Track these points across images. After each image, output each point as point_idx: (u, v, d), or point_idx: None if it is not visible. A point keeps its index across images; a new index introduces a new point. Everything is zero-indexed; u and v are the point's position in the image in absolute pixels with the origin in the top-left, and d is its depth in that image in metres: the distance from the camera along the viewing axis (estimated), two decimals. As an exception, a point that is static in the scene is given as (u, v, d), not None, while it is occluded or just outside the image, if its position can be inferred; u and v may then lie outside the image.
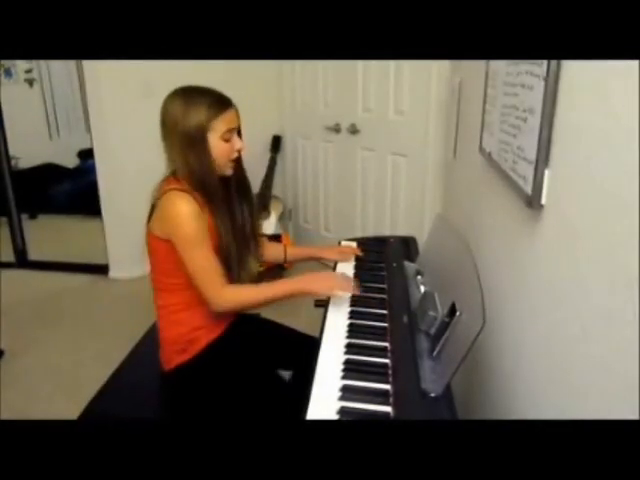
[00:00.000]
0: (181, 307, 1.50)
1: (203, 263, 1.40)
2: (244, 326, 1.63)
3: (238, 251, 1.52)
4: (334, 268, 1.73)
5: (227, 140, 1.43)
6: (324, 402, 1.04)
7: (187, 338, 1.49)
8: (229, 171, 1.49)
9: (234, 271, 1.50)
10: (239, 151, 1.48)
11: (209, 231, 1.42)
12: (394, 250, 1.82)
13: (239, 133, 1.49)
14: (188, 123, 1.38)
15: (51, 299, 3.34)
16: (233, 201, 1.54)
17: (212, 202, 1.44)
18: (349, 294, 1.46)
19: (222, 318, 1.55)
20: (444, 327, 1.15)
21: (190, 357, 1.49)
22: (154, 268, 1.50)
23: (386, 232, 3.00)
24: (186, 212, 1.36)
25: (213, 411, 1.46)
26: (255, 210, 1.64)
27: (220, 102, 1.42)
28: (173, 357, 1.51)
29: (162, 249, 1.43)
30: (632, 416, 0.66)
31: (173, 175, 1.45)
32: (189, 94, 1.42)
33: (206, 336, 1.51)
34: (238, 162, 1.52)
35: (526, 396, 1.11)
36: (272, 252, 1.84)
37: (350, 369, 1.15)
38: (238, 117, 1.47)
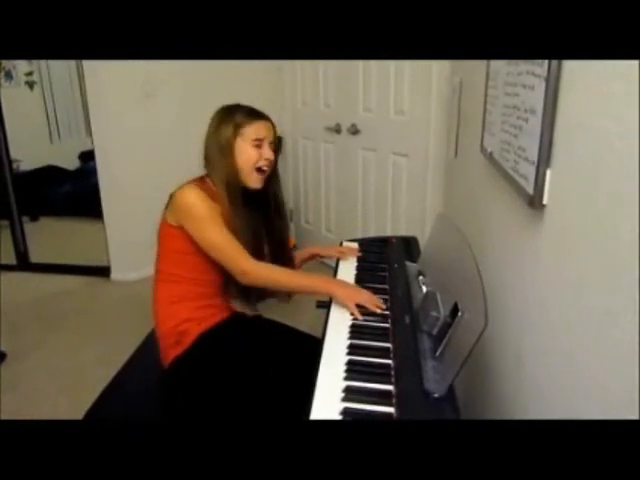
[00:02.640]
0: (175, 299, 1.55)
1: (222, 238, 1.48)
2: (243, 324, 1.63)
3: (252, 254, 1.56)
4: (335, 268, 1.73)
5: (257, 147, 1.55)
6: (327, 403, 1.04)
7: (178, 330, 1.52)
8: (254, 183, 1.59)
9: None
10: (267, 161, 1.58)
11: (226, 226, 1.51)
12: (395, 250, 1.82)
13: (270, 145, 1.59)
14: (220, 135, 1.54)
15: (52, 301, 3.34)
16: (255, 212, 1.63)
17: (233, 206, 1.54)
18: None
19: (213, 312, 1.58)
20: (446, 327, 1.15)
21: (183, 349, 1.51)
22: (161, 257, 1.57)
23: (387, 232, 3.00)
24: (194, 196, 1.48)
25: (212, 406, 1.46)
26: (286, 227, 1.77)
27: (252, 113, 1.57)
28: (169, 351, 1.53)
29: (171, 236, 1.52)
30: (632, 416, 0.66)
31: (200, 177, 1.58)
32: (229, 108, 1.58)
33: (195, 328, 1.53)
34: (274, 177, 1.66)
35: (528, 396, 1.11)
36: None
37: (353, 370, 1.14)
38: (271, 130, 1.59)
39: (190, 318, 1.53)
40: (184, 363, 1.51)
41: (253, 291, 1.66)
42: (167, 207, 1.54)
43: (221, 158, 1.54)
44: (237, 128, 1.53)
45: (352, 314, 1.38)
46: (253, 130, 1.55)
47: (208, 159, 1.58)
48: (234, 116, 1.55)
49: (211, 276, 1.56)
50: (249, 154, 1.55)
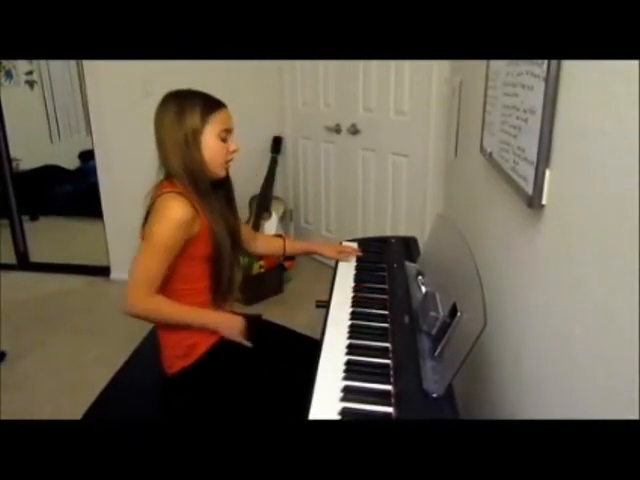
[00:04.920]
0: None
1: (150, 268, 1.40)
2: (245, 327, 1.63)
3: (232, 251, 1.53)
4: (335, 268, 1.73)
5: (223, 140, 1.45)
6: (326, 403, 1.04)
7: (187, 343, 1.49)
8: (222, 172, 1.51)
9: (224, 273, 1.51)
10: (234, 153, 1.50)
11: (204, 234, 1.43)
12: (395, 250, 1.82)
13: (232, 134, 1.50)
14: (184, 124, 1.40)
15: (52, 301, 3.34)
16: (222, 204, 1.55)
17: (205, 201, 1.45)
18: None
19: None
20: (445, 327, 1.15)
21: (192, 361, 1.49)
22: None
23: (387, 232, 3.01)
24: (175, 219, 1.36)
25: (218, 414, 1.46)
26: (238, 215, 1.66)
27: (213, 102, 1.45)
28: (175, 361, 1.51)
29: None
30: (632, 416, 0.66)
31: (167, 179, 1.46)
32: (181, 97, 1.44)
33: (205, 340, 1.51)
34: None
35: (527, 396, 1.11)
36: (271, 246, 1.88)
37: (352, 370, 1.14)
38: (232, 119, 1.48)
39: (199, 331, 1.50)
40: (192, 373, 1.50)
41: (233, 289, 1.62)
42: (146, 220, 1.45)
43: (187, 150, 1.41)
44: (204, 116, 1.41)
45: (351, 313, 1.38)
46: (220, 119, 1.43)
47: (170, 155, 1.43)
48: (195, 105, 1.41)
49: (204, 283, 1.50)
50: (218, 148, 1.44)
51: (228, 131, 1.46)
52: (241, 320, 1.54)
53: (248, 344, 1.44)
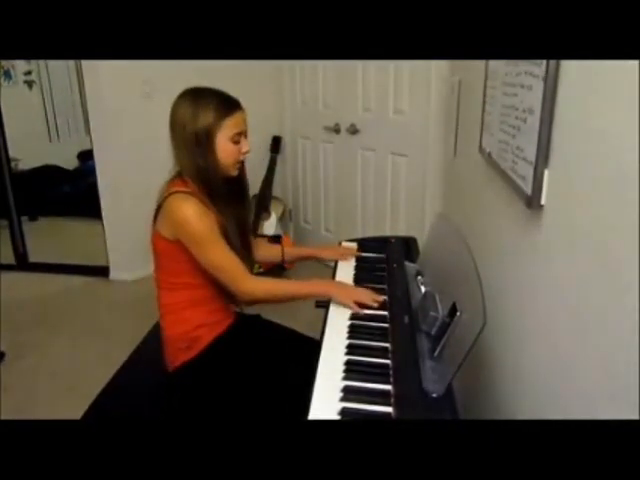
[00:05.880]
0: (184, 305, 1.52)
1: (223, 258, 1.43)
2: (246, 326, 1.63)
3: (243, 249, 1.54)
4: (334, 268, 1.73)
5: (236, 142, 1.46)
6: (325, 403, 1.04)
7: (191, 336, 1.50)
8: (234, 172, 1.51)
9: None
10: (246, 154, 1.51)
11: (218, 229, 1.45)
12: (394, 250, 1.82)
13: (245, 136, 1.51)
14: (197, 124, 1.40)
15: (52, 301, 3.33)
16: (234, 202, 1.55)
17: (216, 201, 1.46)
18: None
19: (224, 316, 1.57)
20: (445, 327, 1.15)
21: (195, 354, 1.50)
22: (159, 268, 1.52)
23: (386, 232, 3.00)
24: (192, 213, 1.39)
25: (218, 409, 1.46)
26: (251, 212, 1.66)
27: (229, 104, 1.45)
28: (178, 355, 1.52)
29: (169, 250, 1.45)
30: (632, 416, 0.66)
31: (179, 176, 1.47)
32: (199, 95, 1.44)
33: (209, 334, 1.52)
34: (241, 164, 1.54)
35: (527, 396, 1.11)
36: (270, 253, 1.87)
37: (351, 370, 1.15)
38: (246, 119, 1.49)
39: (203, 324, 1.52)
40: (194, 368, 1.50)
41: None
42: (156, 217, 1.46)
43: (199, 150, 1.42)
44: (218, 119, 1.41)
45: (351, 313, 1.38)
46: (233, 123, 1.44)
47: (181, 152, 1.45)
48: (211, 105, 1.41)
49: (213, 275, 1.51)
50: (230, 150, 1.45)
51: (241, 134, 1.47)
52: (352, 287, 1.53)
53: (359, 311, 1.39)
